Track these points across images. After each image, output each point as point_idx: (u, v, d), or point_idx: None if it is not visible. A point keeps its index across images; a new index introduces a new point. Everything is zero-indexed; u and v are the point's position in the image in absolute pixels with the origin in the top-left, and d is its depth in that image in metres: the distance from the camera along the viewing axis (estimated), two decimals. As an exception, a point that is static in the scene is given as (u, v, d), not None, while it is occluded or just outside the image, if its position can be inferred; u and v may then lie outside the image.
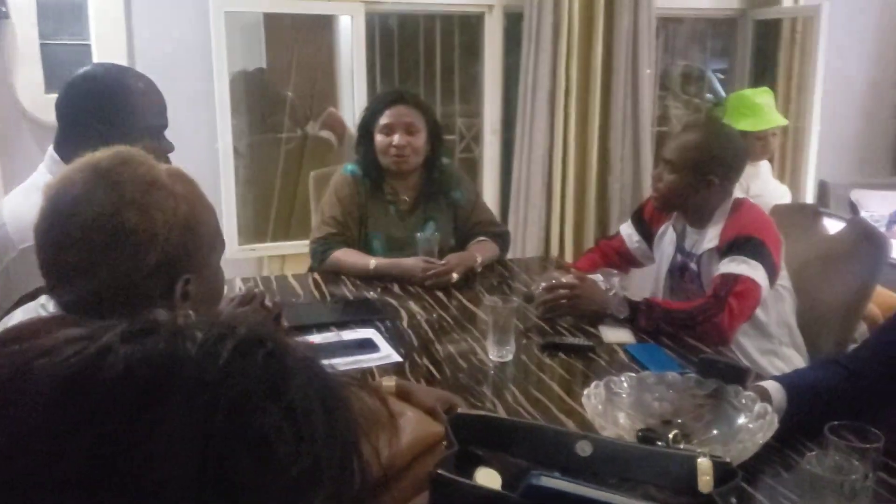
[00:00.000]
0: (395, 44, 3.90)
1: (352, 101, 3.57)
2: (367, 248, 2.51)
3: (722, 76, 4.63)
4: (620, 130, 3.67)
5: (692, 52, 4.58)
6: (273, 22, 4.01)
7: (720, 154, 2.11)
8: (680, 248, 2.28)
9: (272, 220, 3.82)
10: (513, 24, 3.67)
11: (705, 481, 0.90)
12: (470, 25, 3.79)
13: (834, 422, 1.20)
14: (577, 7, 3.47)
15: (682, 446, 1.12)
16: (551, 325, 2.03)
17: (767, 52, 4.18)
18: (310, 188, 2.98)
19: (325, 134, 4.14)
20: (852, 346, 2.13)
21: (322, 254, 2.48)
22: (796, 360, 2.17)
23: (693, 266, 2.23)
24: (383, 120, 2.47)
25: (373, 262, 2.40)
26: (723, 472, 0.94)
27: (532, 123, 3.53)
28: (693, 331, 1.96)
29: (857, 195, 4.10)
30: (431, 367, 1.76)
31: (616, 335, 1.95)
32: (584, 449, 0.96)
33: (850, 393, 1.47)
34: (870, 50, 4.26)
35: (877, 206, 3.96)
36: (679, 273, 2.29)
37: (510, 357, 1.80)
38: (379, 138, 2.48)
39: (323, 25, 4.08)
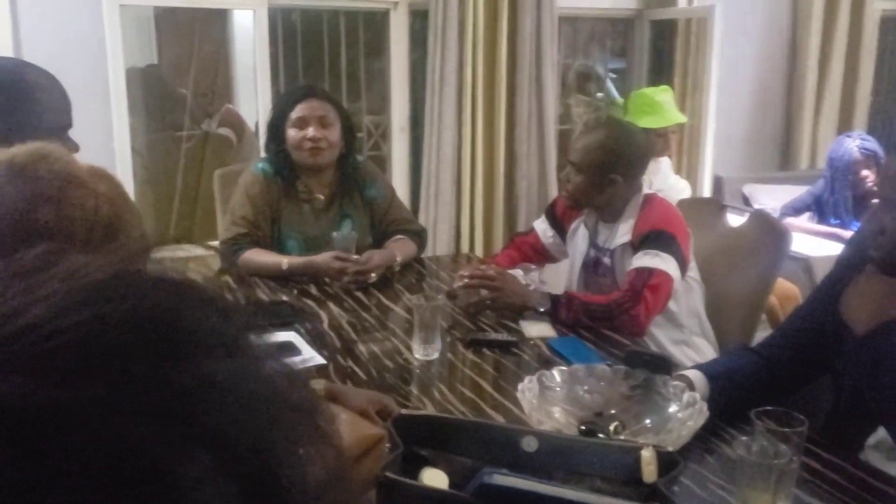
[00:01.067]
0: (298, 40, 3.83)
1: (254, 98, 3.48)
2: (282, 249, 2.45)
3: (615, 76, 4.77)
4: (526, 128, 3.71)
5: (592, 51, 4.70)
6: (164, 16, 3.87)
7: (623, 153, 2.16)
8: (593, 243, 2.33)
9: (174, 221, 3.69)
10: (418, 21, 3.66)
11: (650, 471, 0.92)
12: (375, 22, 3.76)
13: (756, 408, 1.25)
14: (482, 4, 3.50)
15: (622, 437, 1.14)
16: (473, 321, 2.04)
17: (664, 51, 4.33)
18: (215, 188, 2.88)
19: (224, 131, 4.04)
20: (757, 335, 2.23)
21: (232, 255, 2.40)
22: (706, 349, 2.25)
23: (606, 260, 2.28)
24: (295, 114, 2.41)
25: (285, 261, 2.35)
26: (666, 461, 0.95)
27: (440, 121, 3.54)
28: (611, 323, 2.00)
29: (750, 189, 4.30)
30: (356, 368, 1.73)
31: (537, 329, 1.97)
32: (529, 444, 0.96)
33: (766, 379, 1.53)
34: (759, 50, 4.46)
35: (767, 199, 4.16)
36: (593, 267, 2.33)
37: (436, 355, 1.79)
38: (292, 133, 2.42)
39: (216, 20, 3.96)
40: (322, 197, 2.50)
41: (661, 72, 4.31)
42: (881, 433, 1.44)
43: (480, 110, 3.62)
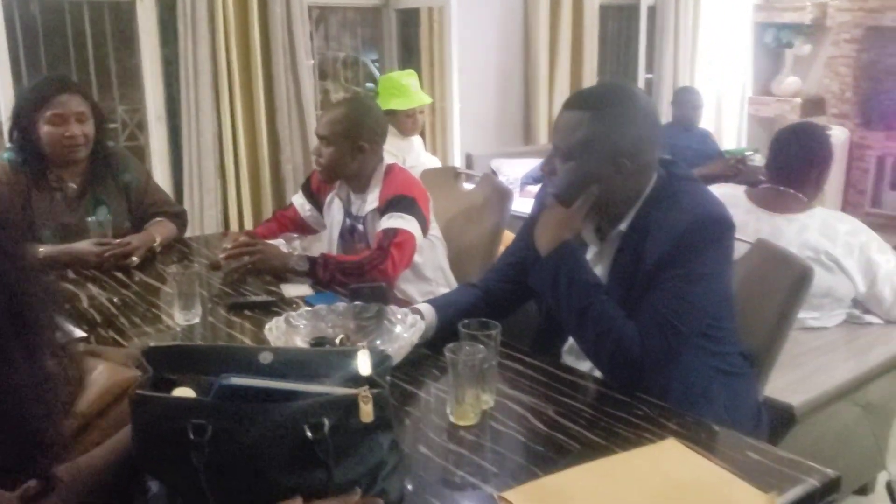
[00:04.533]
0: (39, 30, 3.70)
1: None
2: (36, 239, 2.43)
3: (377, 63, 5.03)
4: (286, 114, 3.86)
5: (347, 40, 4.91)
6: None
7: (366, 122, 2.39)
8: (347, 212, 2.54)
9: None
10: (167, 11, 3.68)
11: (365, 365, 1.13)
12: (122, 13, 3.72)
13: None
14: (230, -6, 3.59)
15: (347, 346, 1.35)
16: (235, 289, 2.17)
17: (411, 38, 4.63)
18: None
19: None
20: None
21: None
22: (451, 297, 2.54)
23: (360, 227, 2.50)
24: (52, 110, 2.38)
25: (40, 250, 2.34)
26: (379, 358, 1.17)
27: (198, 109, 3.59)
28: (363, 278, 2.21)
29: (497, 163, 4.71)
30: (118, 337, 1.81)
31: (296, 290, 2.14)
32: (266, 358, 1.13)
33: (484, 306, 1.80)
34: (497, 38, 4.90)
35: (512, 171, 4.59)
36: (350, 235, 2.55)
37: (197, 319, 1.91)
38: (48, 129, 2.38)
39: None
40: (74, 185, 2.50)
41: (410, 58, 4.61)
42: (572, 339, 1.76)
43: (238, 98, 3.72)
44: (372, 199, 2.44)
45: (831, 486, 1.24)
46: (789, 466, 1.26)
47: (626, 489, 1.16)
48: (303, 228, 2.69)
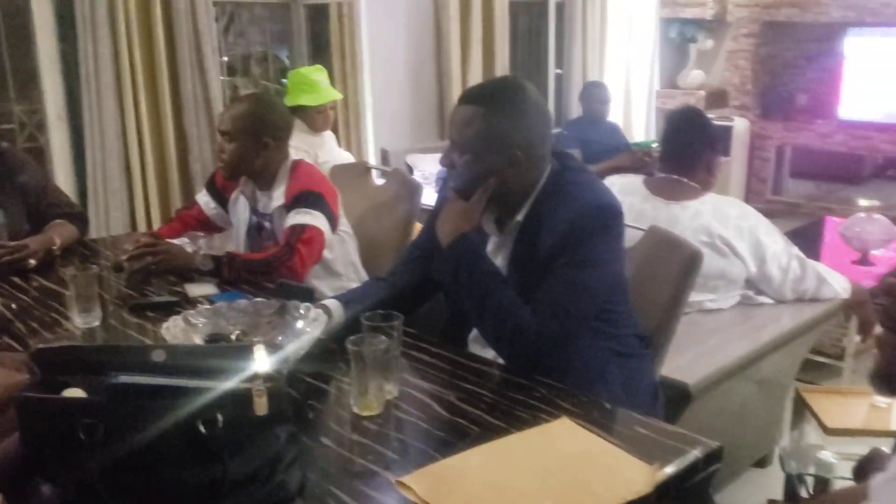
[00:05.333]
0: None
1: None
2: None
3: (288, 60, 4.99)
4: (193, 112, 3.79)
5: (257, 36, 4.86)
6: None
7: (269, 118, 2.37)
8: (254, 210, 2.52)
9: None
10: (64, 7, 3.57)
11: (260, 360, 1.14)
12: (15, 11, 3.59)
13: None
14: (131, -10, 3.51)
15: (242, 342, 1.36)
16: (138, 290, 2.14)
17: (321, 34, 4.61)
18: None
19: None
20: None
21: None
22: (362, 291, 2.56)
23: (267, 224, 2.49)
24: None
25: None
26: (275, 352, 1.18)
27: (100, 108, 3.50)
28: (271, 276, 2.21)
29: (412, 159, 4.74)
30: (13, 343, 1.77)
31: (201, 289, 2.12)
32: (158, 356, 1.13)
33: (392, 300, 1.82)
34: (409, 30, 4.91)
35: (428, 166, 4.63)
36: (257, 232, 2.53)
37: (97, 322, 1.88)
38: None
39: None
40: (-35, 189, 2.42)
41: (321, 54, 4.59)
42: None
43: (143, 96, 3.63)
44: (278, 196, 2.43)
45: (714, 457, 1.31)
46: (674, 439, 1.33)
47: (519, 466, 1.21)
48: (208, 227, 2.66)
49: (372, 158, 4.55)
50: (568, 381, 1.55)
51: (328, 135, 3.86)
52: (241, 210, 2.55)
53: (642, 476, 1.18)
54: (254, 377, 1.12)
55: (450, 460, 1.23)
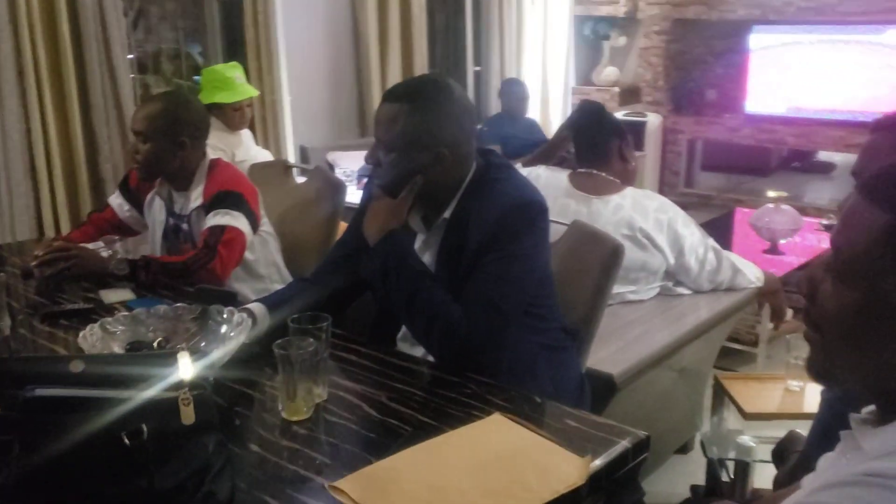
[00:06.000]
0: None
1: None
2: None
3: (201, 57, 4.86)
4: (103, 112, 3.65)
5: (168, 32, 4.72)
6: None
7: (184, 116, 2.31)
8: (170, 211, 2.44)
9: None
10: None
11: (186, 369, 1.10)
12: None
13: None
14: (35, -16, 3.35)
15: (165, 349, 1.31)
16: (50, 298, 2.04)
17: (235, 30, 4.51)
18: None
19: None
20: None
21: None
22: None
23: (185, 226, 2.41)
24: None
25: None
26: (200, 359, 1.15)
27: (2, 108, 3.33)
28: (190, 279, 2.15)
29: (333, 156, 4.69)
30: (-85, 358, 1.67)
31: (116, 295, 2.05)
32: (77, 366, 1.08)
33: (318, 301, 1.78)
34: (326, 27, 4.85)
35: (349, 164, 4.59)
36: (174, 235, 2.45)
37: (7, 332, 1.78)
38: None
39: None
40: None
41: (236, 50, 4.49)
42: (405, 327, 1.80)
43: (48, 96, 3.47)
44: (196, 197, 2.36)
45: (642, 446, 1.34)
46: (604, 431, 1.35)
47: (453, 464, 1.20)
48: (122, 230, 2.57)
49: (291, 156, 4.48)
50: (498, 376, 1.56)
51: (245, 133, 3.79)
52: (156, 212, 2.47)
53: (575, 469, 1.19)
54: (179, 385, 1.08)
55: (383, 462, 1.22)
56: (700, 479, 2.41)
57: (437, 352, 1.62)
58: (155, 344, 1.35)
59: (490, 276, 1.57)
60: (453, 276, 1.63)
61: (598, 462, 1.24)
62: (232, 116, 3.59)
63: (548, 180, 2.54)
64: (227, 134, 3.57)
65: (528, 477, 1.17)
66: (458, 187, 1.68)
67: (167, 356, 1.14)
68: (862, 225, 0.78)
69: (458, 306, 1.57)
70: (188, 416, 1.05)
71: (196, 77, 4.83)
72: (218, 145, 3.36)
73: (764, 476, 2.13)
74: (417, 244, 1.74)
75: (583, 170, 2.55)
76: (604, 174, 2.51)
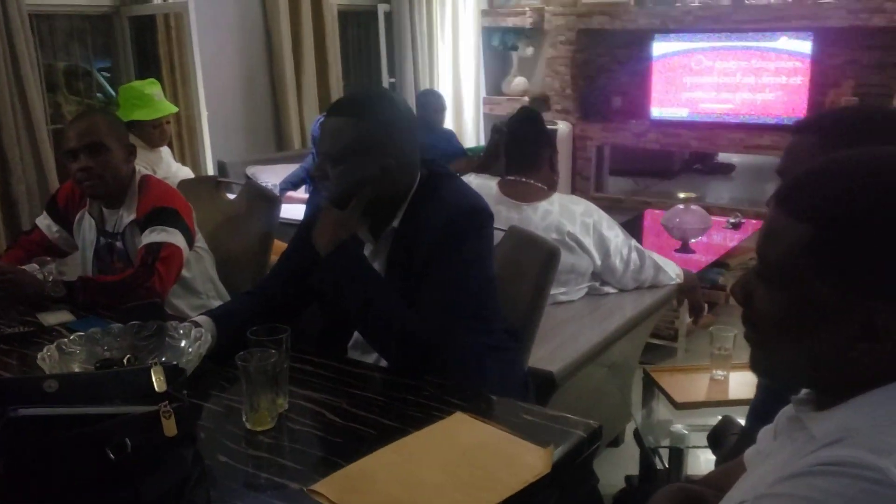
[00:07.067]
0: None
1: None
2: None
3: (108, 74, 4.75)
4: (13, 131, 3.54)
5: (75, 49, 4.59)
6: None
7: (123, 129, 2.31)
8: (102, 230, 2.41)
9: None
10: None
11: (160, 381, 1.12)
12: None
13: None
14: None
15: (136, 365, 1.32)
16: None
17: (148, 46, 4.44)
18: None
19: None
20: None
21: None
22: (223, 308, 2.51)
23: (119, 245, 2.38)
24: None
25: None
26: (173, 372, 1.17)
27: None
28: (129, 298, 2.12)
29: (252, 170, 4.66)
30: None
31: (55, 317, 2.01)
32: (50, 386, 1.09)
33: (265, 312, 1.81)
34: (239, 43, 4.83)
35: (269, 178, 4.57)
36: (108, 254, 2.41)
37: (-56, 360, 1.74)
38: None
39: None
40: None
41: (148, 66, 4.42)
42: (356, 335, 1.84)
43: (-45, 115, 3.36)
44: (128, 214, 2.34)
45: (595, 435, 1.42)
46: (558, 423, 1.43)
47: (425, 463, 1.26)
48: (52, 251, 2.50)
49: (210, 172, 4.44)
50: (450, 378, 1.62)
51: (165, 150, 3.73)
52: (86, 231, 2.43)
53: (540, 459, 1.26)
54: (158, 399, 1.10)
55: (357, 464, 1.26)
56: (633, 469, 2.53)
57: (393, 357, 1.67)
58: (125, 361, 1.35)
59: (442, 281, 1.63)
60: (404, 284, 1.69)
61: (558, 451, 1.32)
62: (151, 134, 3.54)
63: (478, 188, 2.61)
64: (146, 151, 3.51)
65: (497, 469, 1.23)
66: (405, 197, 1.73)
67: (140, 371, 1.15)
68: (782, 235, 0.84)
69: (413, 312, 1.62)
70: (170, 428, 1.07)
71: (98, 94, 4.71)
72: (139, 163, 3.30)
73: (696, 463, 2.26)
74: (365, 254, 1.79)
75: (512, 177, 2.64)
76: (532, 181, 2.60)
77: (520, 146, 2.69)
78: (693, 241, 3.86)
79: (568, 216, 2.56)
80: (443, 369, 1.63)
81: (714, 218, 4.04)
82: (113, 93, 4.73)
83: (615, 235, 2.62)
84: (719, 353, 2.28)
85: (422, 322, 1.61)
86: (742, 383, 2.22)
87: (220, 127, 4.53)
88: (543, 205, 2.57)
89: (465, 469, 1.24)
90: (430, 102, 5.18)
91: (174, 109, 3.70)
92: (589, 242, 2.57)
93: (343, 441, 1.40)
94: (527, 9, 6.41)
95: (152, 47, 4.42)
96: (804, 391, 0.96)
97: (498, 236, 2.12)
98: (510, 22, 6.53)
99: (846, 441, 0.79)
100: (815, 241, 0.81)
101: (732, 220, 4.23)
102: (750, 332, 0.92)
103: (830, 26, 5.32)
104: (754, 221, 4.30)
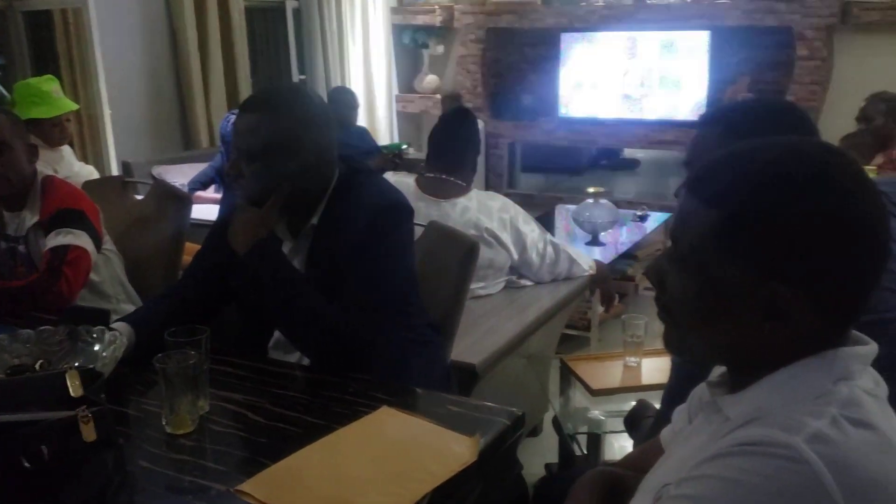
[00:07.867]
0: None
1: None
2: None
3: (2, 71, 4.53)
4: None
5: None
6: None
7: (24, 132, 2.21)
8: (3, 234, 2.30)
9: None
10: None
11: (76, 386, 1.08)
12: None
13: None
14: None
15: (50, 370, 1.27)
16: None
17: (45, 42, 4.26)
18: None
19: None
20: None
21: None
22: (134, 312, 2.43)
23: (21, 248, 2.28)
24: None
25: None
26: (89, 376, 1.13)
27: None
28: (35, 303, 2.03)
29: (159, 170, 4.52)
30: None
31: (-46, 326, 1.91)
32: (-41, 395, 1.04)
33: (182, 315, 1.75)
34: (142, 40, 4.69)
35: (176, 178, 4.44)
36: (9, 258, 2.30)
37: None
38: None
39: None
40: None
41: (46, 63, 4.24)
42: (277, 335, 1.82)
43: None
44: (31, 216, 2.24)
45: (518, 423, 1.45)
46: (483, 412, 1.45)
47: (354, 458, 1.26)
48: (-52, 258, 2.38)
49: (114, 172, 4.29)
50: (374, 373, 1.62)
51: (66, 149, 3.59)
52: (-15, 235, 2.31)
53: (467, 448, 1.28)
54: (75, 404, 1.06)
55: (284, 462, 1.25)
56: (552, 458, 2.59)
57: (315, 354, 1.66)
58: (37, 366, 1.29)
59: (364, 277, 1.63)
60: (324, 281, 1.67)
61: (483, 440, 1.34)
62: (51, 132, 3.40)
63: (397, 185, 2.61)
64: (46, 150, 3.36)
65: (426, 460, 1.24)
66: (324, 193, 1.72)
67: (55, 376, 1.11)
68: (692, 219, 0.88)
69: (336, 308, 1.61)
70: (89, 433, 1.04)
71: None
72: (38, 163, 3.17)
73: (613, 448, 2.33)
74: (284, 251, 1.76)
75: (431, 174, 2.66)
76: (452, 178, 2.63)
77: (451, 144, 2.69)
78: (603, 233, 3.97)
79: (485, 212, 2.59)
80: (366, 365, 1.63)
81: (622, 211, 4.16)
82: (5, 92, 4.52)
83: (531, 230, 2.67)
84: (632, 341, 2.35)
85: (344, 318, 1.61)
86: (654, 368, 2.30)
87: (124, 126, 4.39)
88: (462, 201, 2.60)
89: (393, 462, 1.24)
90: (343, 99, 5.15)
91: (74, 107, 3.57)
92: (506, 237, 2.61)
93: (268, 441, 1.38)
94: (436, 7, 6.44)
95: (49, 43, 4.24)
96: (717, 375, 1.01)
97: (418, 232, 2.13)
98: (420, 20, 6.55)
99: (759, 421, 0.83)
100: (722, 226, 0.85)
101: (639, 213, 4.36)
102: (663, 314, 0.96)
103: (727, 25, 5.55)
104: (659, 214, 4.45)
